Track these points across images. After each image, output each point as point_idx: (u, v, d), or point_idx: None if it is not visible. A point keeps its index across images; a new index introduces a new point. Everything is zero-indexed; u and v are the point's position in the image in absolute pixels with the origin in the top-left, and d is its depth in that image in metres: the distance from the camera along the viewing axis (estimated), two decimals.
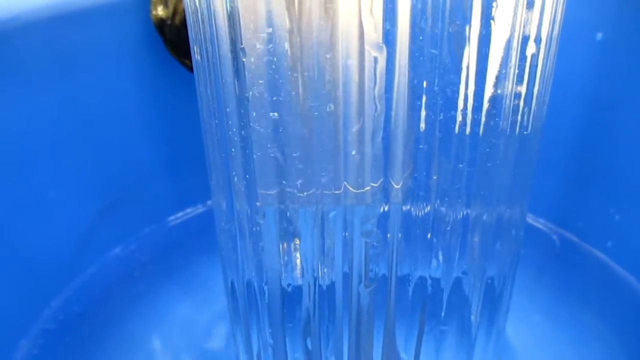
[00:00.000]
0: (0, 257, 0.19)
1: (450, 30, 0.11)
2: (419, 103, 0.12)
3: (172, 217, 0.25)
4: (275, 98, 0.11)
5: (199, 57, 0.13)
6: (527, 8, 0.11)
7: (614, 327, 0.20)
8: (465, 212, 0.14)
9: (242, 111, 0.12)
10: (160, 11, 0.21)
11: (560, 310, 0.21)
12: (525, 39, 0.11)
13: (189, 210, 0.26)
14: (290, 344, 0.16)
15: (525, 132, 0.14)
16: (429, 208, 0.14)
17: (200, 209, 0.26)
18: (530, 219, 0.24)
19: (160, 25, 0.21)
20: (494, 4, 0.10)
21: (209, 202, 0.26)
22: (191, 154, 0.25)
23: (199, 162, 0.24)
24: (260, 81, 0.11)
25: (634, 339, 0.20)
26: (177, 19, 0.21)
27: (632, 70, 0.20)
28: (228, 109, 0.12)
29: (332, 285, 0.14)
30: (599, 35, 0.20)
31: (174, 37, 0.22)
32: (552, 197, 0.24)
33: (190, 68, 0.23)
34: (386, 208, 0.14)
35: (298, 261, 0.15)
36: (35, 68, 0.20)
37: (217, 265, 0.23)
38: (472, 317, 0.15)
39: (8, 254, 0.20)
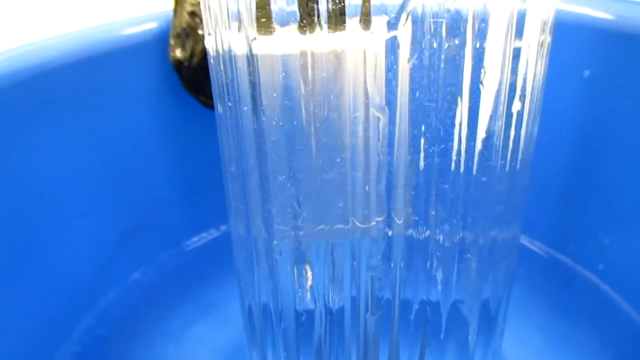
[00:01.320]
0: (29, 283, 0.21)
1: (444, 91, 0.12)
2: (418, 148, 0.14)
3: (187, 242, 0.27)
4: (290, 151, 0.13)
5: (221, 111, 0.14)
6: (511, 72, 0.13)
7: (605, 344, 0.22)
8: (461, 240, 0.16)
9: (261, 161, 0.13)
10: (178, 54, 0.23)
11: (555, 328, 0.23)
12: (511, 97, 0.13)
13: (203, 235, 0.27)
14: None
15: (515, 169, 0.16)
16: (428, 237, 0.16)
17: (213, 234, 0.27)
18: (526, 241, 0.26)
19: (178, 66, 0.23)
20: (483, 71, 0.12)
21: (221, 228, 0.28)
22: (205, 183, 0.26)
23: (212, 190, 0.26)
24: (277, 137, 0.13)
25: (622, 354, 0.21)
26: (194, 61, 0.23)
27: (617, 104, 0.22)
28: (250, 162, 0.13)
29: (341, 310, 0.16)
30: (586, 73, 0.22)
31: (191, 77, 0.23)
32: (548, 222, 0.25)
33: (204, 103, 0.24)
34: (390, 237, 0.15)
35: (310, 289, 0.16)
36: (65, 105, 0.21)
37: (230, 288, 0.24)
38: (470, 338, 0.17)
39: (36, 280, 0.21)
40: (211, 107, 0.24)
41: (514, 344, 0.22)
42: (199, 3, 0.23)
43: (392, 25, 0.12)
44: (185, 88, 0.24)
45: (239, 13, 0.13)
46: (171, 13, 0.24)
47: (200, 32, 0.23)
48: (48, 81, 0.21)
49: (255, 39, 0.13)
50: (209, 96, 0.24)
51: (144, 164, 0.24)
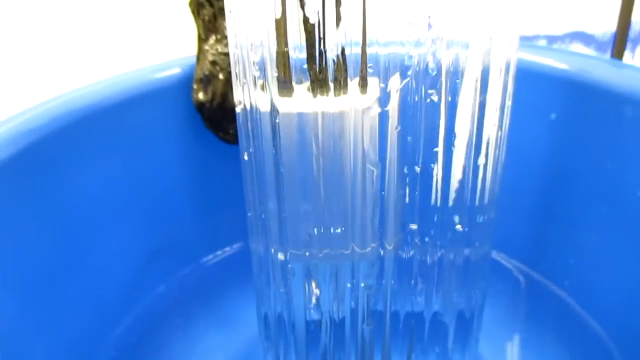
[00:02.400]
0: (72, 296, 0.24)
1: (424, 143, 0.16)
2: (404, 187, 0.18)
3: (205, 259, 0.30)
4: (303, 194, 0.16)
5: (247, 159, 0.18)
6: (476, 137, 0.16)
7: (571, 350, 0.25)
8: (439, 259, 0.19)
9: (279, 201, 0.17)
10: (201, 96, 0.26)
11: (527, 337, 0.26)
12: (477, 153, 0.17)
13: (219, 252, 0.31)
14: None
15: (483, 203, 0.19)
16: (412, 257, 0.19)
17: (228, 251, 0.31)
18: (504, 260, 0.29)
19: (200, 107, 0.27)
20: (454, 136, 0.16)
21: (234, 246, 0.31)
22: (221, 206, 0.30)
23: (227, 213, 0.29)
24: (293, 182, 0.16)
25: (587, 358, 0.25)
26: (214, 103, 0.26)
27: (579, 143, 0.25)
28: (269, 201, 0.17)
29: (342, 321, 0.19)
30: (553, 116, 0.25)
31: (212, 116, 0.27)
32: (523, 244, 0.29)
33: (221, 138, 0.28)
34: (382, 259, 0.19)
35: (317, 302, 0.20)
36: (103, 142, 0.25)
37: (243, 300, 0.28)
38: (449, 344, 0.20)
39: (78, 293, 0.24)
40: (227, 141, 0.28)
41: (492, 350, 0.25)
42: (219, 53, 0.26)
43: (383, 101, 0.15)
44: (206, 125, 0.27)
45: (264, 77, 0.17)
46: (190, 59, 0.27)
47: (220, 77, 0.26)
48: (88, 123, 0.24)
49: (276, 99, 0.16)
50: (226, 132, 0.27)
51: (169, 191, 0.28)
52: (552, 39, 0.35)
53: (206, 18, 0.26)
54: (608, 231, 0.24)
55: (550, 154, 0.26)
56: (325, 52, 0.16)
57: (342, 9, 0.15)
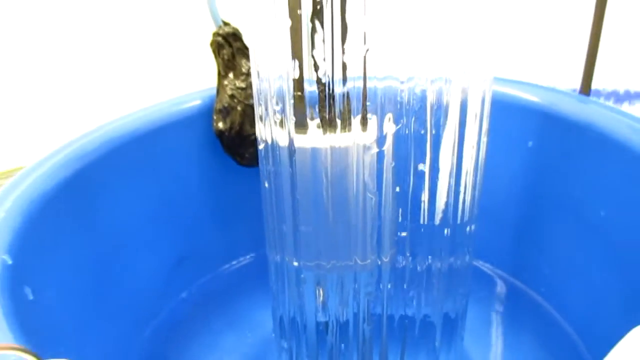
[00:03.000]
0: (109, 302, 0.28)
1: (413, 172, 0.20)
2: (397, 211, 0.21)
3: (223, 268, 0.34)
4: (315, 216, 0.20)
5: (267, 187, 0.21)
6: (456, 168, 0.20)
7: (547, 347, 0.29)
8: (427, 268, 0.23)
9: (295, 222, 0.20)
10: (220, 125, 0.30)
11: (509, 336, 0.30)
12: (458, 181, 0.20)
13: (234, 262, 0.34)
14: None
15: (463, 220, 0.23)
16: (404, 267, 0.23)
17: (242, 261, 0.34)
18: (489, 269, 0.33)
19: (220, 134, 0.30)
20: (438, 168, 0.19)
21: (247, 257, 0.35)
22: (238, 222, 0.33)
23: (242, 227, 0.33)
24: (306, 208, 0.20)
25: (559, 355, 0.28)
26: (232, 131, 0.30)
27: (554, 166, 0.29)
28: (287, 222, 0.20)
29: (347, 322, 0.23)
30: (530, 143, 0.29)
31: (230, 142, 0.30)
32: (506, 255, 0.32)
33: (238, 162, 0.31)
34: (380, 270, 0.22)
35: (325, 306, 0.23)
36: (137, 167, 0.28)
37: (259, 304, 0.31)
38: (437, 342, 0.24)
39: (113, 301, 0.28)
40: (243, 164, 0.31)
41: (476, 347, 0.29)
42: (237, 87, 0.30)
43: (380, 142, 0.19)
44: (225, 150, 0.31)
45: (283, 115, 0.20)
46: (209, 91, 0.31)
47: (238, 109, 0.30)
48: (126, 148, 0.28)
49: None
50: (242, 156, 0.31)
51: (192, 207, 0.31)
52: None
53: (225, 57, 0.30)
54: (577, 245, 0.28)
55: (528, 176, 0.30)
56: (333, 96, 0.19)
57: (345, 57, 0.19)
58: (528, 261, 0.31)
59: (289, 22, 0.19)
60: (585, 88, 0.28)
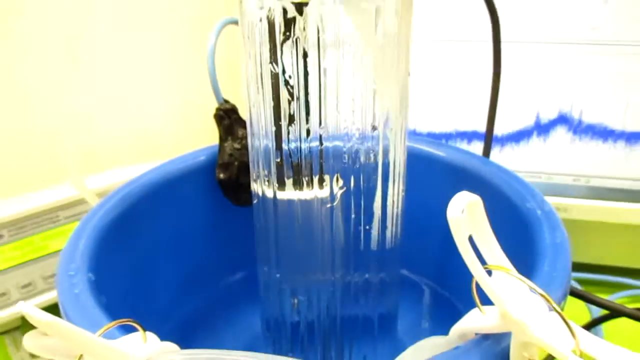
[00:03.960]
0: (142, 305, 0.37)
1: (356, 221, 0.30)
2: (346, 241, 0.31)
3: (222, 282, 0.43)
4: (291, 248, 0.30)
5: (258, 226, 0.32)
6: (382, 212, 0.30)
7: None
8: (366, 281, 0.33)
9: (278, 249, 0.30)
10: (222, 176, 0.40)
11: (433, 325, 0.40)
12: (384, 222, 0.30)
13: (230, 278, 0.44)
14: (297, 353, 0.34)
15: (392, 246, 0.33)
16: (350, 281, 0.33)
17: (238, 277, 0.44)
18: (420, 280, 0.43)
19: (221, 182, 0.40)
20: (373, 212, 0.30)
21: (241, 273, 0.44)
22: (234, 248, 0.43)
23: (238, 252, 0.43)
24: (287, 240, 0.30)
25: None
26: (231, 181, 0.40)
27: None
28: (272, 252, 0.31)
29: (312, 322, 0.33)
30: (447, 189, 0.39)
31: (228, 189, 0.40)
32: (433, 268, 0.42)
33: (235, 203, 0.41)
34: (334, 282, 0.33)
35: (299, 310, 0.33)
36: (162, 206, 0.38)
37: (251, 309, 0.41)
38: (375, 334, 0.34)
39: (145, 303, 0.37)
40: (239, 205, 0.41)
41: (408, 336, 0.38)
42: (234, 149, 0.40)
43: (331, 199, 0.29)
44: (224, 194, 0.41)
45: (268, 180, 0.31)
46: (212, 148, 0.41)
47: (235, 164, 0.40)
48: (154, 193, 0.37)
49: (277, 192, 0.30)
50: (238, 199, 0.41)
51: (199, 237, 0.41)
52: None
53: (226, 126, 0.40)
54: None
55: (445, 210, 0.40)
56: (300, 164, 0.29)
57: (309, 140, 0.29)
58: (450, 274, 0.41)
59: (271, 104, 0.28)
60: (486, 152, 0.39)
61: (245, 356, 0.19)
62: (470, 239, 0.21)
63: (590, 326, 0.42)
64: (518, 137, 0.49)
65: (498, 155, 0.50)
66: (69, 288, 0.26)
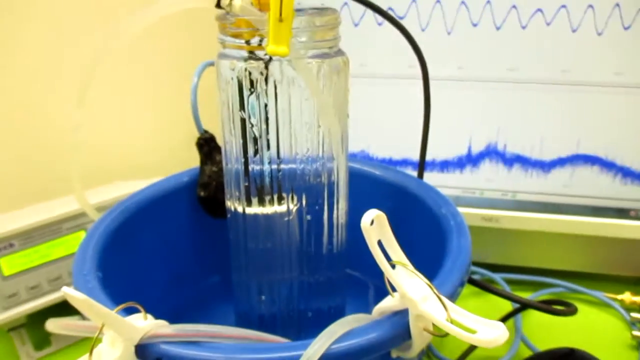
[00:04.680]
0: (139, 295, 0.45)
1: (308, 230, 0.38)
2: (300, 247, 0.40)
3: (203, 282, 0.51)
4: (259, 254, 0.38)
5: (232, 238, 0.39)
6: (329, 224, 0.38)
7: None
8: (316, 280, 0.41)
9: (246, 255, 0.38)
10: (202, 194, 0.48)
11: None
12: (331, 232, 0.39)
13: (211, 279, 0.52)
14: None
15: (338, 251, 0.41)
16: (303, 281, 0.41)
17: (215, 279, 0.52)
18: (360, 276, 0.51)
19: (201, 200, 0.48)
20: (323, 224, 0.38)
21: (218, 276, 0.52)
22: (212, 253, 0.51)
23: (216, 256, 0.50)
24: (255, 247, 0.38)
25: None
26: (209, 198, 0.48)
27: (401, 219, 0.47)
28: (242, 256, 0.39)
29: (275, 314, 0.41)
30: (388, 204, 0.48)
31: (207, 205, 0.48)
32: (373, 268, 0.51)
33: (213, 216, 0.49)
34: (291, 281, 0.41)
35: (265, 304, 0.41)
36: (153, 218, 0.46)
37: (226, 305, 0.49)
38: (326, 323, 0.42)
39: (141, 295, 0.45)
40: (216, 217, 0.49)
41: None
42: (212, 171, 0.48)
43: (288, 212, 0.37)
44: (204, 209, 0.48)
45: (239, 199, 0.39)
46: (193, 170, 0.49)
47: (213, 184, 0.48)
48: (146, 207, 0.45)
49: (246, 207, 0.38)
50: (215, 213, 0.49)
51: (183, 244, 0.49)
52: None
53: (205, 151, 0.48)
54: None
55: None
56: (263, 186, 0.38)
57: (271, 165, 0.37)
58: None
59: (240, 141, 0.37)
60: (420, 174, 0.47)
61: (223, 328, 0.27)
62: (380, 243, 0.29)
63: (510, 316, 0.50)
64: (456, 161, 0.58)
65: (440, 176, 0.59)
66: (84, 283, 0.34)
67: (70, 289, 0.24)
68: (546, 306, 0.40)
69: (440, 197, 0.43)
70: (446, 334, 0.27)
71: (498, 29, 0.52)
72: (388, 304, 0.30)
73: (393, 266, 0.29)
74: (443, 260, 0.36)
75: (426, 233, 0.42)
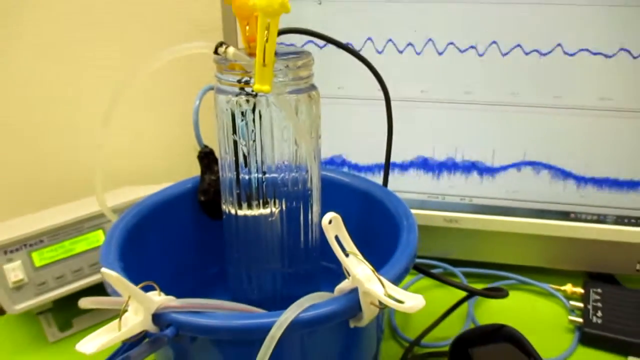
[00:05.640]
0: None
1: (287, 228, 0.47)
2: (281, 242, 0.49)
3: (202, 273, 0.60)
4: (248, 246, 0.47)
5: (226, 235, 0.49)
6: (304, 222, 0.47)
7: None
8: (296, 271, 0.50)
9: (238, 248, 0.48)
10: (202, 198, 0.57)
11: None
12: (306, 230, 0.48)
13: (209, 270, 0.61)
14: None
15: (314, 245, 0.51)
16: (284, 271, 0.50)
17: (213, 270, 0.61)
18: (333, 267, 0.60)
19: (201, 203, 0.57)
20: (300, 223, 0.47)
21: (215, 268, 0.61)
22: (212, 248, 0.60)
23: (214, 251, 0.60)
24: (245, 241, 0.47)
25: None
26: (208, 202, 0.57)
27: (368, 219, 0.57)
28: (234, 250, 0.48)
29: (262, 299, 0.50)
30: (355, 207, 0.57)
31: (207, 208, 0.57)
32: None
33: (211, 218, 0.58)
34: (275, 272, 0.50)
35: (254, 290, 0.50)
36: (160, 219, 0.55)
37: (222, 291, 0.58)
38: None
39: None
40: (214, 219, 0.58)
41: None
42: (211, 180, 0.57)
43: (271, 214, 0.46)
44: (204, 211, 0.58)
45: (232, 203, 0.48)
46: (195, 179, 0.58)
47: (211, 191, 0.57)
48: (156, 210, 0.54)
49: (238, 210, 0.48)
50: (213, 215, 0.58)
51: (187, 241, 0.58)
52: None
53: (205, 163, 0.57)
54: (368, 251, 0.55)
55: (356, 222, 0.58)
56: (251, 194, 0.47)
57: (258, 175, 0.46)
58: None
59: (233, 158, 0.46)
60: (384, 182, 0.57)
61: (219, 302, 0.37)
62: (337, 238, 0.38)
63: (461, 302, 0.59)
64: (422, 170, 0.67)
65: (408, 182, 0.68)
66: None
67: (107, 269, 0.33)
68: (481, 290, 0.49)
69: (398, 201, 0.52)
70: (386, 306, 0.36)
71: (440, 53, 0.61)
72: (344, 284, 0.39)
73: (347, 255, 0.38)
74: (395, 251, 0.45)
75: (385, 229, 0.51)
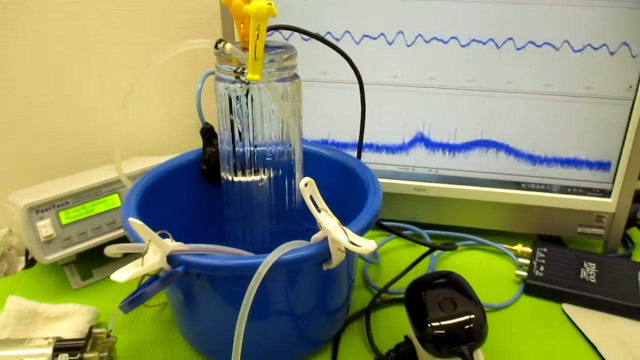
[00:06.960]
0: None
1: (274, 192, 0.58)
2: (271, 203, 0.59)
3: (206, 234, 0.71)
4: (243, 206, 0.57)
5: (224, 197, 0.59)
6: (289, 187, 0.58)
7: None
8: (283, 228, 0.60)
9: (234, 208, 0.58)
10: (204, 167, 0.67)
11: None
12: (291, 193, 0.58)
13: (211, 230, 0.71)
14: None
15: (296, 207, 0.61)
16: (276, 229, 0.61)
17: (213, 230, 0.71)
18: (314, 227, 0.71)
19: (204, 172, 0.67)
20: (286, 187, 0.57)
21: (216, 228, 0.72)
22: (212, 210, 0.70)
23: (214, 213, 0.70)
24: (241, 201, 0.57)
25: None
26: (209, 170, 0.67)
27: (346, 188, 0.67)
28: (232, 209, 0.58)
29: (254, 252, 0.60)
30: (337, 181, 0.67)
31: (207, 175, 0.67)
32: None
33: (212, 184, 0.68)
34: (264, 227, 0.60)
35: (249, 244, 0.61)
36: (169, 183, 0.65)
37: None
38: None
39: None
40: (214, 185, 0.68)
41: None
42: (212, 152, 0.67)
43: (261, 181, 0.57)
44: (206, 179, 0.68)
45: (229, 171, 0.58)
46: (198, 151, 0.68)
47: (212, 161, 0.67)
48: (164, 176, 0.65)
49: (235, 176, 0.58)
50: (214, 181, 0.68)
51: (191, 204, 0.68)
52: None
53: (206, 138, 0.67)
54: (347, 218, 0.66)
55: (334, 187, 0.68)
56: (244, 162, 0.57)
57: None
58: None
59: (230, 133, 0.56)
60: (359, 155, 0.67)
61: (220, 247, 0.47)
62: (312, 198, 0.48)
63: (423, 256, 0.70)
64: (394, 145, 0.78)
65: (382, 157, 0.78)
66: None
67: (134, 219, 0.44)
68: (432, 243, 0.60)
69: (367, 169, 0.62)
70: (349, 251, 0.46)
71: (409, 45, 0.71)
72: (318, 235, 0.50)
73: (319, 211, 0.48)
74: (360, 211, 0.56)
75: (357, 194, 0.61)
